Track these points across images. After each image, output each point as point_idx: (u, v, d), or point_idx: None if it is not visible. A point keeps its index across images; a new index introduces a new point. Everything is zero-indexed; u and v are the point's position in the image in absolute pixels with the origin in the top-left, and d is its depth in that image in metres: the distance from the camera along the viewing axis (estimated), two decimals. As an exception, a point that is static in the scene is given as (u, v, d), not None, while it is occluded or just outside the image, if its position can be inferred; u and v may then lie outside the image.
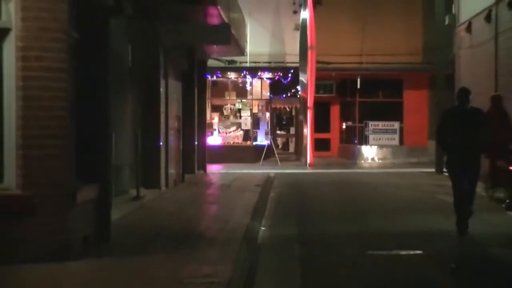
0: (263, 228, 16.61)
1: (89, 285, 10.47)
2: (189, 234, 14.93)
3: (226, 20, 24.26)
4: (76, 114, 12.14)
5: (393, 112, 42.57)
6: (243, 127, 44.13)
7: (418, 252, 13.55)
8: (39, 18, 11.38)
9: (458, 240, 14.86)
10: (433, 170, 32.28)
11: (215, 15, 23.22)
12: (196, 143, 30.12)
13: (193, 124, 29.56)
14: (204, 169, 31.94)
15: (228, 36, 25.10)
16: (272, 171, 33.52)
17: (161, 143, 22.91)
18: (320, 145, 42.73)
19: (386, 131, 42.34)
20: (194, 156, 29.63)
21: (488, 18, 25.84)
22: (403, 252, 13.55)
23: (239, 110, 44.50)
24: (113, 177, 17.04)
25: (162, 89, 23.12)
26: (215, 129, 43.29)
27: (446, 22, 31.94)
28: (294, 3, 42.39)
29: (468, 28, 28.71)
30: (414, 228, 16.48)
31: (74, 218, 11.79)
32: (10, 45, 11.31)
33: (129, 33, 19.64)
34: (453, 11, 31.25)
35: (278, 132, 46.42)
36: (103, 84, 13.52)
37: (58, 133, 11.49)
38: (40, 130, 11.37)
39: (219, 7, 22.26)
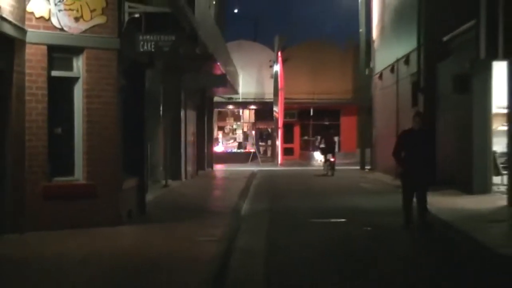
0: (245, 204, 16.53)
1: (133, 239, 10.51)
2: (198, 208, 14.94)
3: (224, 71, 24.30)
4: (123, 132, 12.09)
5: (334, 130, 42.65)
6: (238, 140, 44.27)
7: (343, 220, 13.52)
8: (98, 71, 11.40)
9: (371, 213, 14.78)
10: (359, 167, 32.29)
11: (217, 68, 23.27)
12: (206, 150, 30.07)
13: (204, 138, 29.46)
14: (212, 167, 31.89)
15: (225, 82, 25.12)
16: (255, 168, 33.44)
17: (182, 150, 22.90)
18: (287, 151, 42.61)
19: (329, 142, 42.34)
20: (204, 158, 29.58)
21: (392, 70, 25.88)
22: (334, 220, 13.53)
23: (235, 129, 44.66)
24: (150, 172, 17.03)
25: (182, 116, 23.07)
26: (219, 141, 43.32)
27: (367, 73, 31.99)
28: (270, 61, 42.45)
29: (380, 77, 28.78)
30: (343, 205, 16.40)
31: (122, 198, 11.78)
32: (79, 87, 11.35)
33: (162, 80, 19.67)
34: (371, 65, 31.32)
35: (260, 143, 46.36)
36: (141, 113, 13.50)
37: (110, 144, 11.50)
38: (98, 142, 11.38)
39: (219, 63, 22.31)
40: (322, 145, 28.45)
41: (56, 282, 7.66)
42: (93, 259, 8.80)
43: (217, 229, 11.41)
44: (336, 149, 30.96)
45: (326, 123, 31.29)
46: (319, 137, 32.81)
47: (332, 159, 27.81)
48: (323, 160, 28.36)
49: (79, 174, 11.31)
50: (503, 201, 14.98)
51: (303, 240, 11.16)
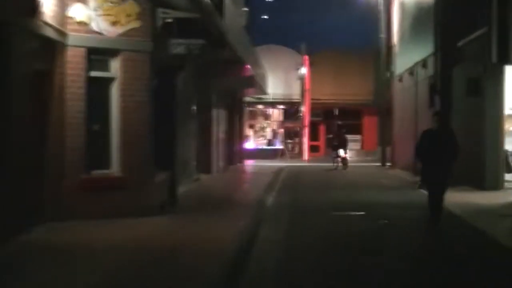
0: (270, 197, 16.41)
1: (163, 228, 10.53)
2: (226, 200, 14.94)
3: (252, 73, 24.27)
4: (155, 130, 12.04)
5: (356, 129, 42.21)
6: (267, 137, 44.16)
7: (362, 213, 13.29)
8: (133, 72, 11.45)
9: (386, 206, 14.54)
10: (380, 164, 32.03)
11: (246, 71, 23.24)
12: (236, 146, 30.07)
13: (234, 135, 29.50)
14: (242, 162, 31.87)
15: (254, 83, 25.09)
16: (283, 164, 33.38)
17: (213, 147, 22.91)
18: (313, 148, 42.42)
19: (353, 140, 41.98)
20: (235, 154, 29.57)
21: (411, 73, 25.63)
22: (353, 213, 13.32)
23: (265, 127, 44.62)
24: (183, 167, 17.01)
25: (214, 115, 23.09)
26: (250, 139, 43.32)
27: (388, 76, 31.76)
28: (297, 64, 42.24)
29: (400, 79, 28.48)
30: (361, 199, 16.14)
31: (154, 191, 11.78)
32: (115, 87, 11.40)
33: (194, 82, 19.66)
34: (392, 69, 31.05)
35: (288, 140, 46.19)
36: (172, 112, 13.54)
37: (143, 140, 11.53)
38: (132, 139, 11.41)
39: (248, 66, 22.28)
40: (335, 143, 30.37)
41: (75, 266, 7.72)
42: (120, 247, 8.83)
43: (241, 219, 11.37)
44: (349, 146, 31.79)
45: (339, 122, 34.37)
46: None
47: (344, 155, 29.34)
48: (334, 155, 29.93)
49: (114, 167, 11.35)
50: (513, 197, 14.76)
51: (323, 232, 11.01)
